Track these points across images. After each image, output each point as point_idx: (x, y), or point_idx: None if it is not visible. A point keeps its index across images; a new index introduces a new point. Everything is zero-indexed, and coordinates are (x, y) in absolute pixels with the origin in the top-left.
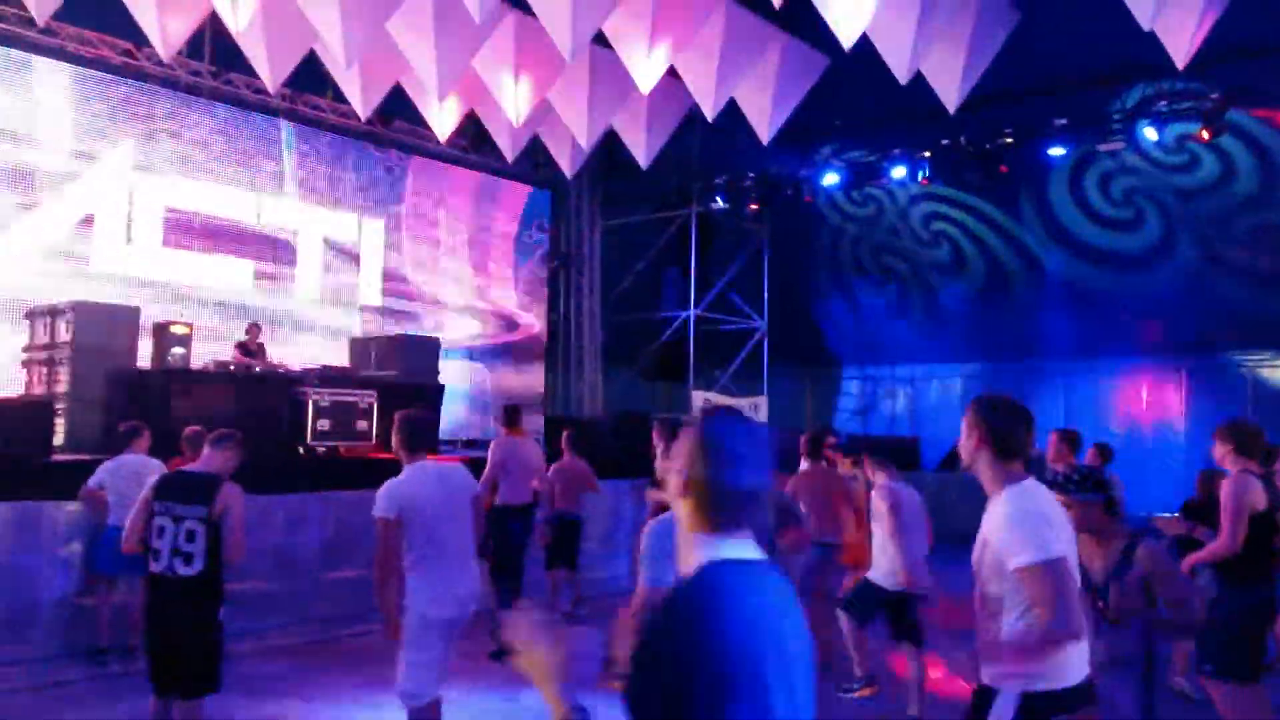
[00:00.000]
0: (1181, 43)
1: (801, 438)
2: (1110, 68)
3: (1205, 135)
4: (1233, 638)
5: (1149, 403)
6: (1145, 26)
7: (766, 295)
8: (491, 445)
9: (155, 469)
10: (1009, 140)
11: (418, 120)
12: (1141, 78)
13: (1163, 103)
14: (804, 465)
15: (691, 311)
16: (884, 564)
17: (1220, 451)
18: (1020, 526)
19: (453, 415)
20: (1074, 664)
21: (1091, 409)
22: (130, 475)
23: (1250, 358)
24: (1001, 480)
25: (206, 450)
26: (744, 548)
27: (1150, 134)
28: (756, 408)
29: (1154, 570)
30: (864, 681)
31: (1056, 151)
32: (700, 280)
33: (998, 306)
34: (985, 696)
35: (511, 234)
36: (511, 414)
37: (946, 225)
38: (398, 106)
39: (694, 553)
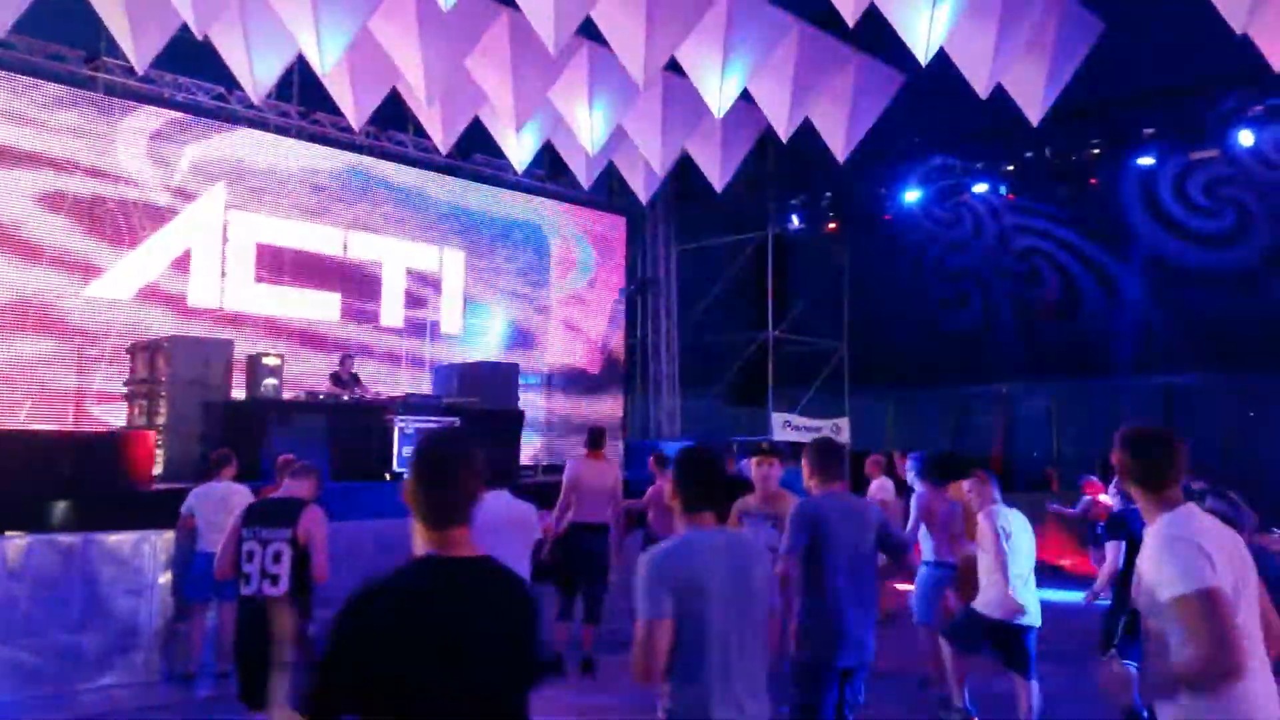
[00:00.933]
0: (1278, 45)
1: (907, 459)
2: (1200, 75)
3: None
4: None
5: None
6: (1238, 30)
7: (846, 315)
8: (567, 465)
9: (241, 495)
10: (1096, 152)
11: (496, 152)
12: (1236, 84)
13: (1258, 108)
14: (920, 487)
15: (770, 333)
16: (990, 592)
17: None
18: (1169, 556)
19: (532, 442)
20: (1266, 707)
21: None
22: (218, 502)
23: None
24: (1155, 509)
25: (286, 481)
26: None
27: (1246, 139)
28: (839, 429)
29: None
30: (961, 714)
31: (1146, 161)
32: (778, 302)
33: (1084, 322)
34: None
35: (590, 261)
36: (595, 436)
37: (1034, 240)
38: (477, 139)
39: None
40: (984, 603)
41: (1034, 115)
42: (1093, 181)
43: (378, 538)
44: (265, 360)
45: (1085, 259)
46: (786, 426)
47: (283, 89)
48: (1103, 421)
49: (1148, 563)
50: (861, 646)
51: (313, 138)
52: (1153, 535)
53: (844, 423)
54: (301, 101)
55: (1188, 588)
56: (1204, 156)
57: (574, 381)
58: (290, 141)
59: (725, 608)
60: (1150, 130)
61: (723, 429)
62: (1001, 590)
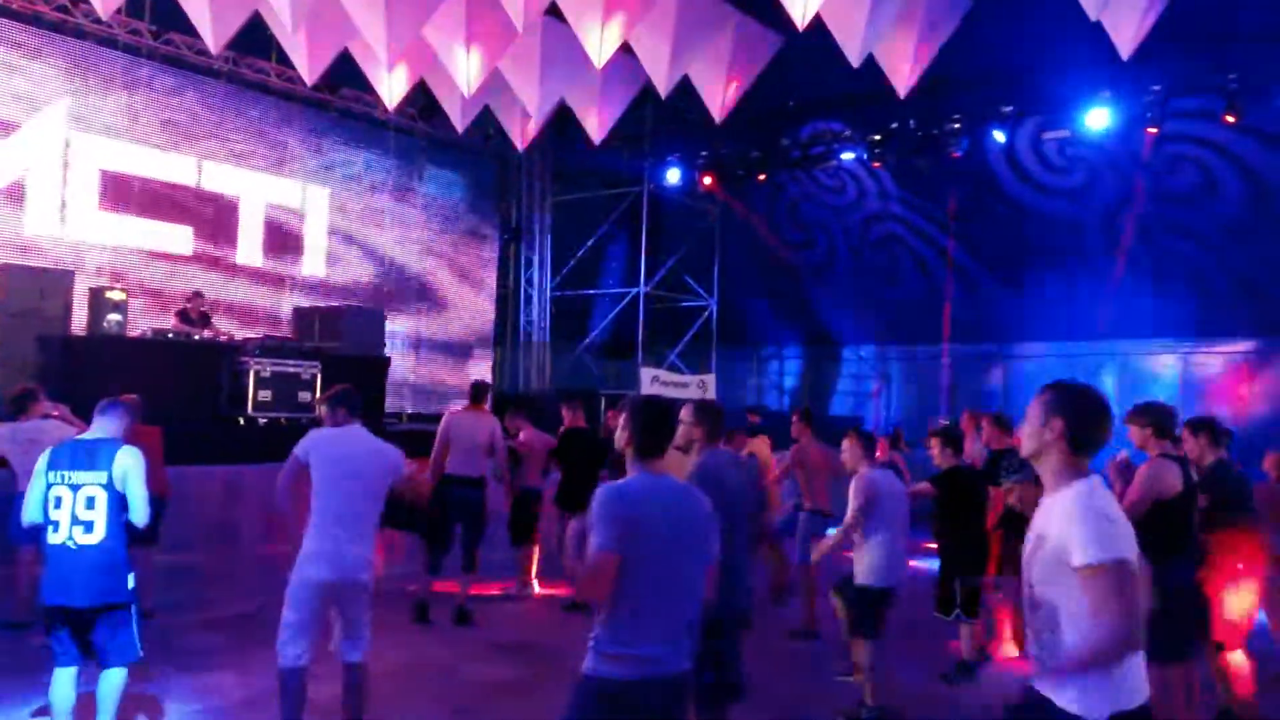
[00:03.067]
0: (1127, 34)
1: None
2: (1057, 58)
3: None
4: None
5: None
6: (1092, 17)
7: (717, 274)
8: (443, 418)
9: (54, 434)
10: (957, 125)
11: (366, 88)
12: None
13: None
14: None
15: (641, 289)
16: (865, 558)
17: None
18: (1088, 523)
19: (399, 393)
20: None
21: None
22: (26, 442)
23: None
24: (1070, 475)
25: (96, 419)
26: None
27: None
28: (705, 385)
29: None
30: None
31: (1000, 137)
32: (650, 258)
33: (956, 288)
34: (1043, 708)
35: (461, 206)
36: (477, 389)
37: (898, 208)
38: (345, 73)
39: None
40: (863, 570)
41: (901, 87)
42: (955, 155)
43: (227, 484)
44: (108, 295)
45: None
46: (654, 382)
47: (134, 5)
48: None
49: (1058, 526)
50: (749, 595)
51: (166, 60)
52: (1068, 499)
53: (710, 379)
54: (154, 21)
55: (1103, 556)
56: (1055, 136)
57: (444, 331)
58: (141, 63)
59: (664, 551)
60: (1009, 108)
61: (590, 381)
62: (876, 555)
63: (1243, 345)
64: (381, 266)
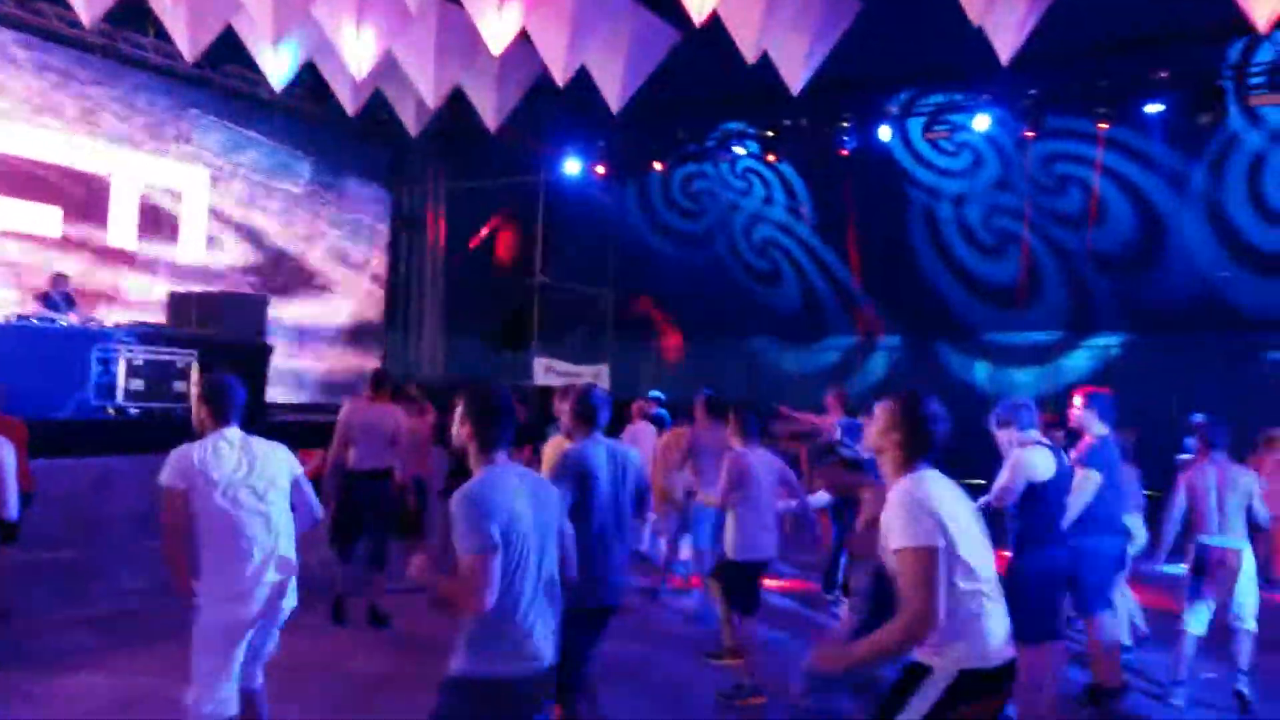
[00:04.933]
0: (1006, 40)
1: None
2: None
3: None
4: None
5: None
6: (975, 23)
7: (613, 264)
8: (342, 410)
9: None
10: (845, 124)
11: (251, 66)
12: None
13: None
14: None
15: (536, 278)
16: (735, 533)
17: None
18: (902, 511)
19: (283, 383)
20: (1003, 641)
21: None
22: None
23: None
24: (901, 470)
25: None
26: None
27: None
28: (599, 376)
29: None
30: (730, 651)
31: (886, 135)
32: (547, 246)
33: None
34: (916, 671)
35: (351, 191)
36: (376, 378)
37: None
38: (229, 50)
39: None
40: (731, 546)
41: (794, 85)
42: (843, 153)
43: (97, 478)
44: None
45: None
46: (549, 372)
47: None
48: (825, 380)
49: (885, 516)
50: (619, 588)
51: (33, 30)
52: (894, 491)
53: (604, 370)
54: None
55: (907, 542)
56: (937, 137)
57: (331, 320)
58: (7, 33)
59: (530, 539)
60: (894, 109)
61: (486, 372)
62: (743, 530)
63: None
64: (265, 251)
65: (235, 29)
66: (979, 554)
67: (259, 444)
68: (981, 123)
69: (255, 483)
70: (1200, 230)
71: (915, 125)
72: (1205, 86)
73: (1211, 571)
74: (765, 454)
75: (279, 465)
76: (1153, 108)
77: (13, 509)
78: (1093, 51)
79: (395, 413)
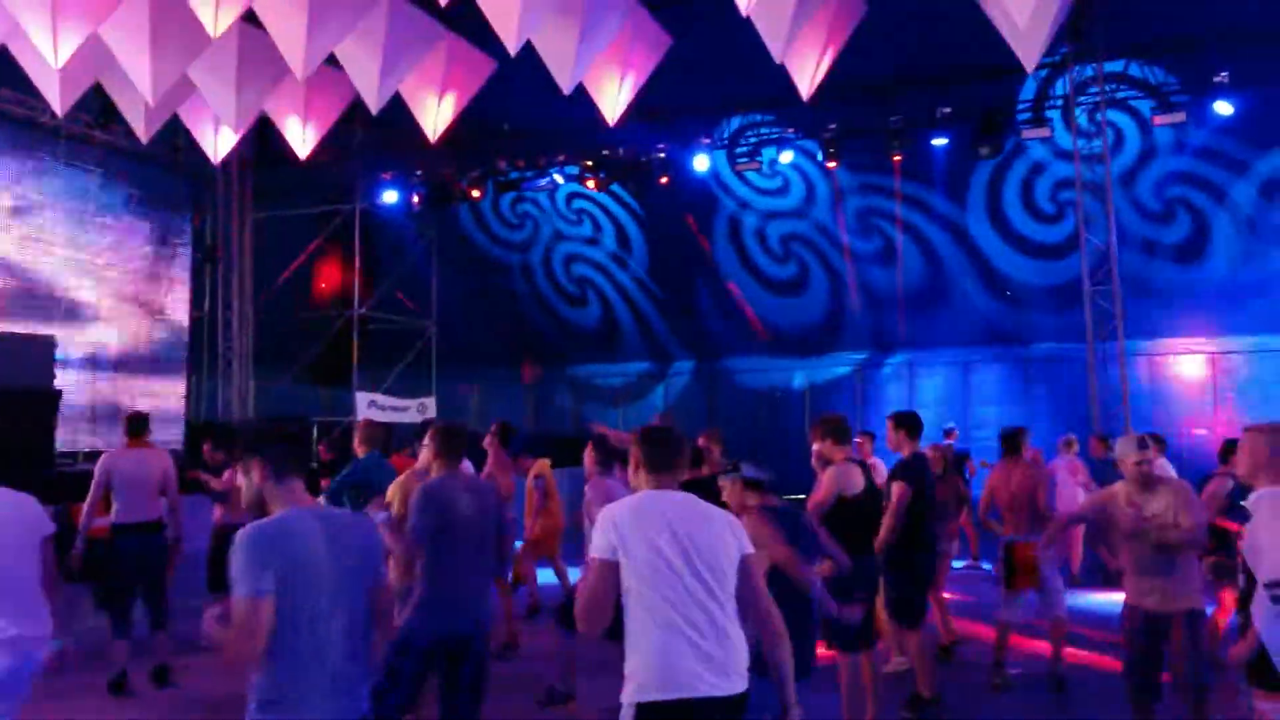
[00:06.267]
0: (806, 76)
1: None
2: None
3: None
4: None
5: None
6: (777, 59)
7: (435, 294)
8: (101, 458)
9: None
10: (661, 154)
11: (30, 90)
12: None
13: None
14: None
15: (355, 310)
16: None
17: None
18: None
19: (75, 429)
20: (690, 673)
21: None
22: None
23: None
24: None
25: None
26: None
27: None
28: (425, 408)
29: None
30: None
31: (701, 165)
32: (365, 278)
33: (668, 306)
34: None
35: (147, 223)
36: (134, 422)
37: (605, 220)
38: (4, 72)
39: None
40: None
41: (611, 116)
42: (663, 180)
43: None
44: None
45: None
46: (372, 406)
47: None
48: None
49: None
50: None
51: None
52: None
53: (430, 402)
54: None
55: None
56: (747, 168)
57: (128, 359)
58: None
59: (325, 585)
60: (707, 139)
61: (302, 409)
62: None
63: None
64: (51, 289)
65: (10, 50)
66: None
67: (12, 494)
68: (787, 155)
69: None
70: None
71: (722, 157)
72: (984, 120)
73: (1019, 566)
74: (618, 483)
75: (26, 514)
76: (938, 141)
77: None
78: (886, 88)
79: (161, 458)
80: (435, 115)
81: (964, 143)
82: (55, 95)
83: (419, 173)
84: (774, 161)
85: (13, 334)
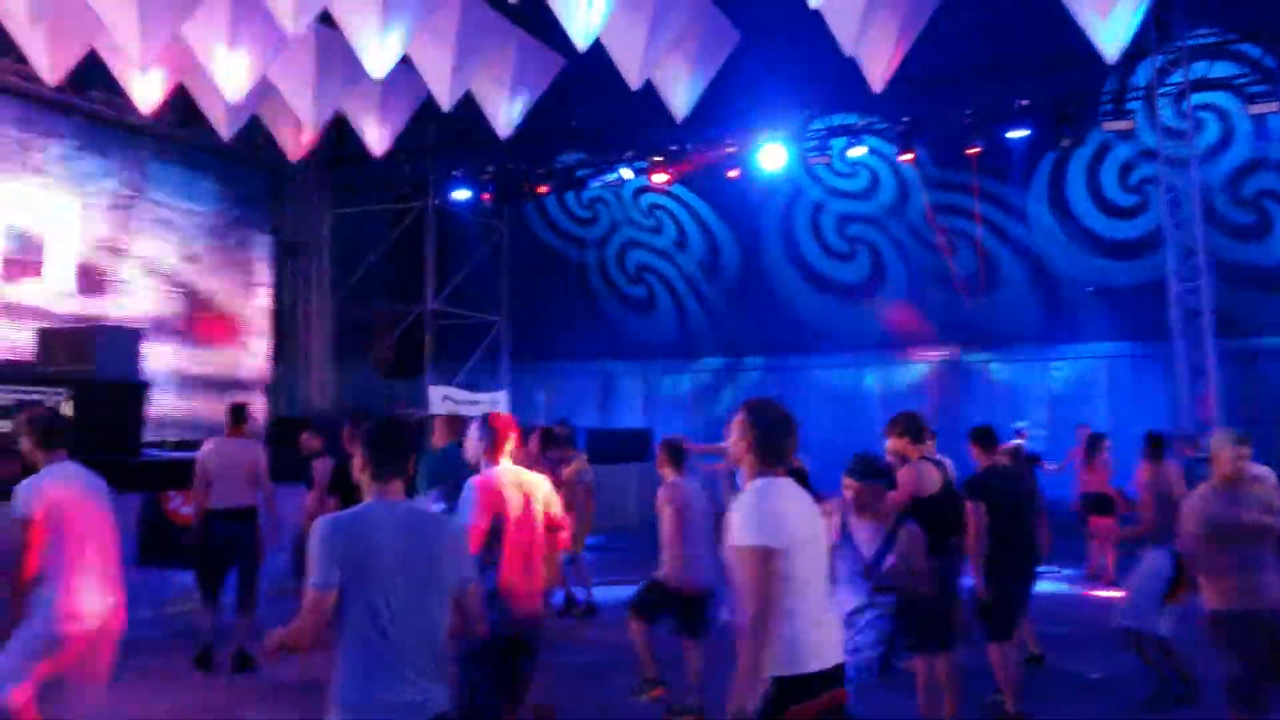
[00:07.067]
0: (878, 68)
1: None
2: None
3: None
4: None
5: None
6: (847, 52)
7: (506, 290)
8: (200, 448)
9: None
10: (731, 150)
11: (118, 91)
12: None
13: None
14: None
15: (429, 305)
16: (671, 563)
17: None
18: (751, 511)
19: (162, 420)
20: (818, 648)
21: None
22: None
23: None
24: (754, 476)
25: None
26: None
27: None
28: (496, 402)
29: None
30: (653, 684)
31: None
32: (438, 273)
33: (740, 302)
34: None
35: (228, 219)
36: (234, 412)
37: (668, 217)
38: (95, 73)
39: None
40: (684, 577)
41: (679, 111)
42: (731, 175)
43: None
44: None
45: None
46: (445, 400)
47: None
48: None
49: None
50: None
51: None
52: (744, 494)
53: (501, 396)
54: None
55: (744, 540)
56: (818, 162)
57: (213, 349)
58: None
59: (399, 582)
60: (777, 134)
61: (379, 402)
62: (682, 561)
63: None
64: (139, 283)
65: (100, 52)
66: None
67: (89, 472)
68: (859, 149)
69: (94, 507)
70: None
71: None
72: (1064, 112)
73: (1185, 576)
74: (695, 485)
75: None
76: (1016, 133)
77: None
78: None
79: (255, 449)
80: (505, 112)
81: (1043, 134)
82: (141, 95)
83: (489, 169)
84: (846, 156)
85: (102, 327)
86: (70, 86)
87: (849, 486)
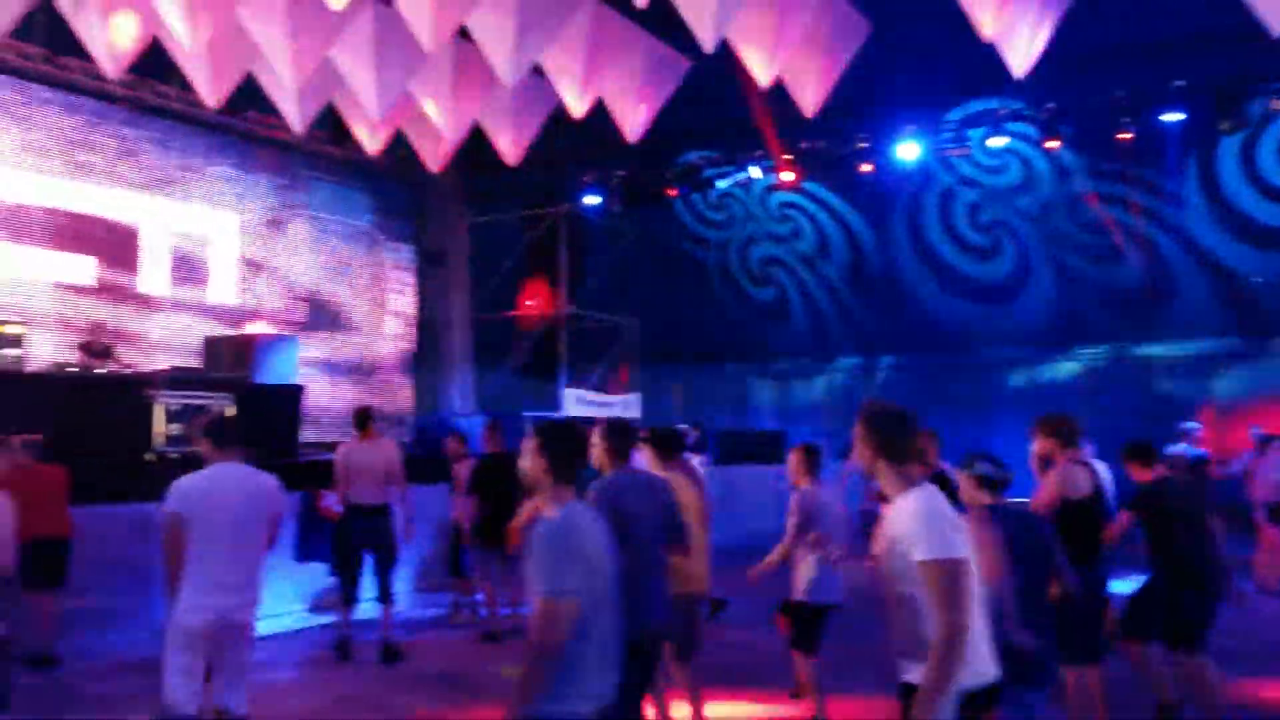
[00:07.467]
0: (1019, 54)
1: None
2: (955, 79)
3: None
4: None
5: None
6: (986, 37)
7: (638, 292)
8: (337, 449)
9: None
10: (864, 145)
11: (271, 110)
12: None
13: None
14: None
15: (562, 309)
16: (807, 573)
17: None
18: (927, 523)
19: (318, 422)
20: (988, 659)
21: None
22: None
23: None
24: (903, 483)
25: None
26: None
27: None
28: (630, 405)
29: None
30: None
31: (908, 153)
32: (571, 277)
33: (875, 301)
34: (912, 694)
35: (374, 230)
36: (360, 417)
37: (800, 214)
38: (250, 95)
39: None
40: (801, 587)
41: (809, 107)
42: (863, 167)
43: (133, 523)
44: (4, 329)
45: (863, 244)
46: (579, 402)
47: (26, 29)
48: (857, 402)
49: (903, 527)
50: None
51: (61, 85)
52: (909, 502)
53: (634, 398)
54: (49, 45)
55: (939, 554)
56: (957, 154)
57: (362, 358)
58: (34, 88)
59: (606, 576)
60: (913, 126)
61: (516, 405)
62: (813, 572)
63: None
64: (293, 293)
65: (255, 75)
66: None
67: (249, 471)
68: (999, 139)
69: (241, 505)
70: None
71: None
72: (1225, 93)
73: None
74: (831, 490)
75: (260, 489)
76: (1171, 116)
77: (8, 564)
78: (1109, 60)
79: (388, 449)
80: (633, 116)
81: (1201, 118)
82: (293, 115)
83: (619, 173)
84: (986, 145)
85: (261, 335)
86: (228, 109)
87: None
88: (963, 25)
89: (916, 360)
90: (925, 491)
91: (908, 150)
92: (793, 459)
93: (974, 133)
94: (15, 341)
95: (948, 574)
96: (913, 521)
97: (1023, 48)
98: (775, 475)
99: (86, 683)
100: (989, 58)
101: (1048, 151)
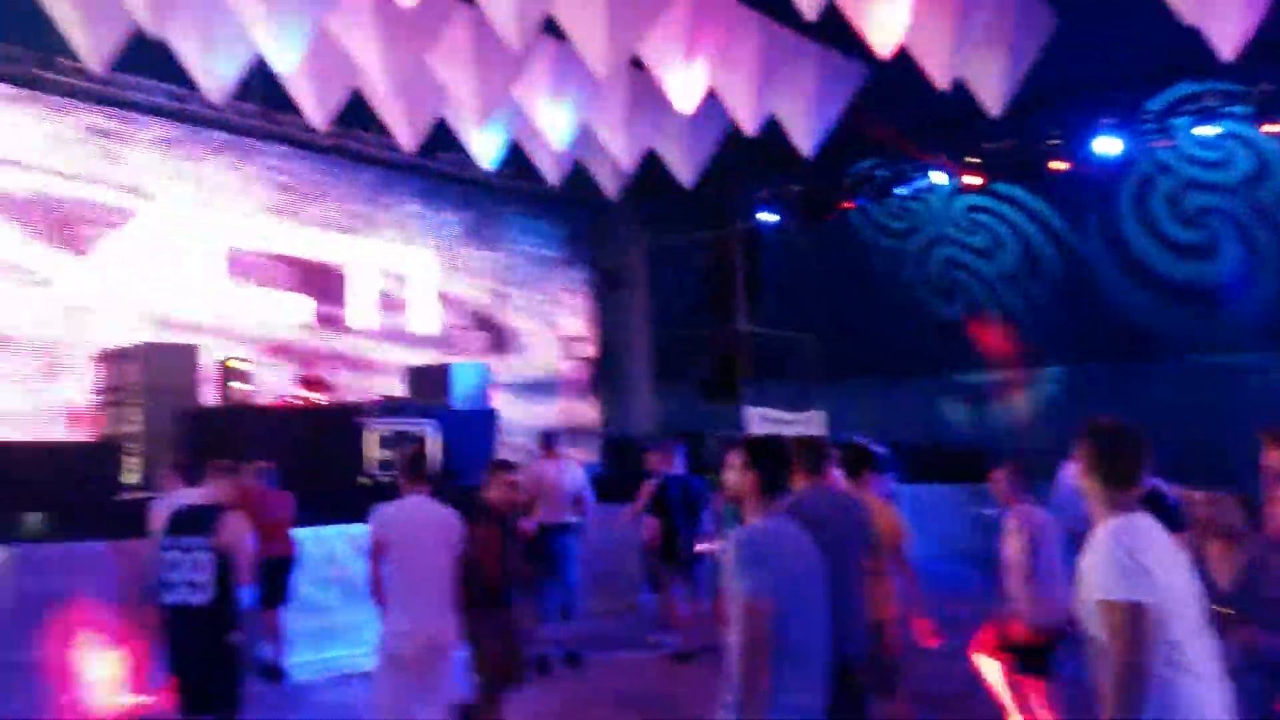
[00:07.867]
0: (1226, 35)
1: None
2: (1152, 66)
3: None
4: None
5: None
6: (1188, 20)
7: (816, 307)
8: (524, 471)
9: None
10: (1056, 142)
11: (461, 150)
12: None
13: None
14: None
15: (742, 327)
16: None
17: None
18: (1112, 557)
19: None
20: (1211, 704)
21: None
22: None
23: None
24: (1107, 509)
25: (207, 484)
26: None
27: (1196, 131)
28: (813, 421)
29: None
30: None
31: (1108, 148)
32: (750, 295)
33: (1072, 308)
34: None
35: (558, 257)
36: (545, 438)
37: (989, 218)
38: (442, 137)
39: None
40: (1037, 612)
41: (994, 107)
42: (1053, 166)
43: (351, 543)
44: (234, 365)
45: (1060, 247)
46: (762, 420)
47: (243, 89)
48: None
49: (1090, 562)
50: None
51: (274, 138)
52: (1099, 537)
53: (817, 415)
54: (264, 102)
55: (1116, 595)
56: (1161, 146)
57: (548, 379)
58: (252, 142)
59: (813, 588)
60: (1110, 120)
61: (698, 424)
62: (1032, 599)
63: None
64: (486, 321)
65: (445, 118)
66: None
67: (435, 504)
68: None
69: (430, 535)
70: None
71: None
72: None
73: None
74: (1041, 510)
75: (446, 521)
76: None
77: (244, 578)
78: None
79: (574, 470)
80: (807, 130)
81: None
82: (481, 152)
83: (795, 188)
84: (1192, 134)
85: (457, 363)
86: (423, 151)
87: (1193, 498)
88: (1158, 8)
89: (1127, 368)
90: (1124, 522)
91: (1107, 145)
92: (998, 477)
93: (1179, 121)
94: (243, 377)
95: (1125, 618)
96: (1098, 554)
97: (1232, 27)
98: (970, 494)
99: (307, 693)
100: (1185, 40)
101: (1267, 137)
